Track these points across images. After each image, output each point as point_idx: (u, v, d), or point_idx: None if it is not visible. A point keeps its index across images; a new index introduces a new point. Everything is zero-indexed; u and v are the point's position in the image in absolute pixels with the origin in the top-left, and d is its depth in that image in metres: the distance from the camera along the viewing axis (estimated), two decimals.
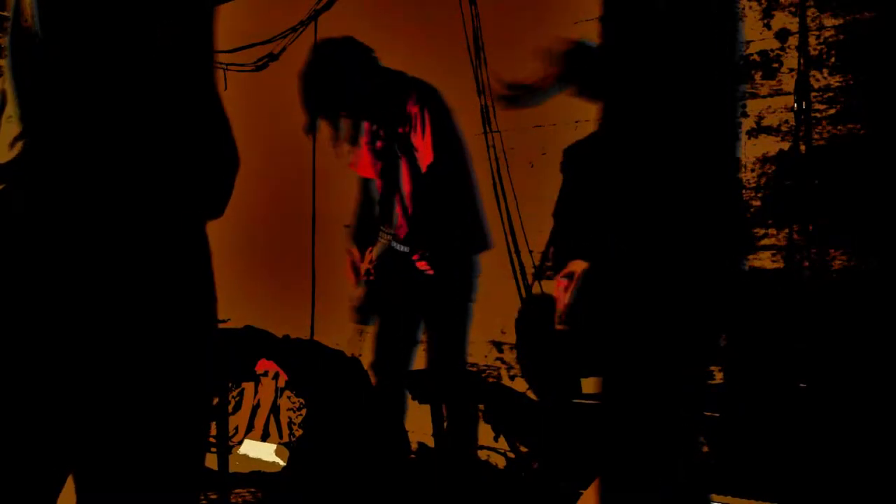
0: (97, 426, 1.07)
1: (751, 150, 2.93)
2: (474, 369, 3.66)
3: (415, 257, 2.79)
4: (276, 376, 3.89)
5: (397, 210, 2.85)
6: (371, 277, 2.82)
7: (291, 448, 3.60)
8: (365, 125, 2.91)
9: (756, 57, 2.94)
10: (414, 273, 2.80)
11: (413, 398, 2.90)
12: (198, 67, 1.14)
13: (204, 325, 1.15)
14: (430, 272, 2.78)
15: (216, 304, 1.17)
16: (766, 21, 2.94)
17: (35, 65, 1.05)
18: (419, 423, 3.08)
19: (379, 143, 2.87)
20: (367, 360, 3.02)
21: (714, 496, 2.36)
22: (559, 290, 2.09)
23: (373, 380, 2.97)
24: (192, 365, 1.12)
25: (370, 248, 2.87)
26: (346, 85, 2.75)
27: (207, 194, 1.15)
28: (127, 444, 1.08)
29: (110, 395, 1.06)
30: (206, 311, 1.16)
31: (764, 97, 2.94)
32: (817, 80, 2.79)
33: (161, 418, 1.09)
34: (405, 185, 2.79)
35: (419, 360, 3.00)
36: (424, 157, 2.70)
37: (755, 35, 2.94)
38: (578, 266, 2.05)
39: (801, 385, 2.51)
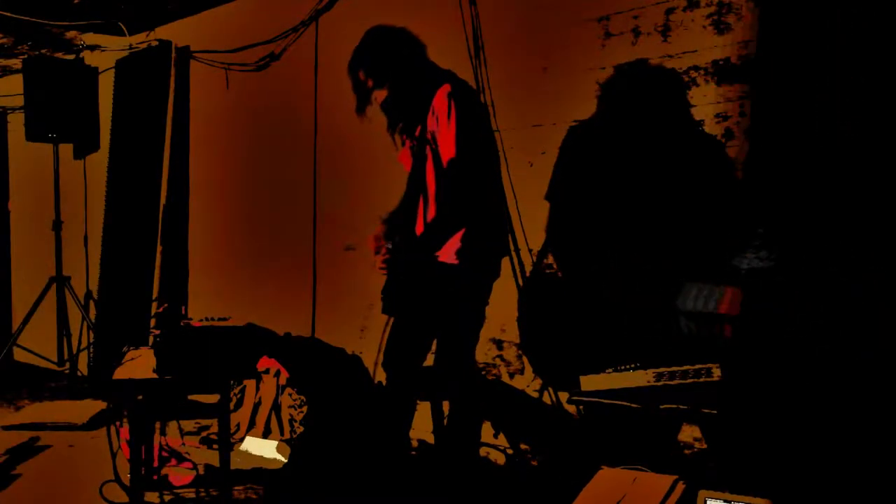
0: None
1: None
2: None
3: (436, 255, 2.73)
4: (277, 374, 3.91)
5: (420, 208, 2.80)
6: (384, 269, 2.75)
7: (293, 445, 3.62)
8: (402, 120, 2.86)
9: None
10: (429, 272, 2.73)
11: (421, 396, 2.87)
12: None
13: None
14: (448, 266, 2.70)
15: None
16: None
17: None
18: (419, 421, 3.09)
19: (413, 138, 2.83)
20: (366, 357, 3.01)
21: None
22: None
23: (379, 376, 2.92)
24: None
25: (391, 240, 2.79)
26: (389, 74, 2.73)
27: None
28: None
29: None
30: None
31: None
32: None
33: None
34: (430, 183, 2.75)
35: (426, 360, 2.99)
36: (447, 152, 2.66)
37: None
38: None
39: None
